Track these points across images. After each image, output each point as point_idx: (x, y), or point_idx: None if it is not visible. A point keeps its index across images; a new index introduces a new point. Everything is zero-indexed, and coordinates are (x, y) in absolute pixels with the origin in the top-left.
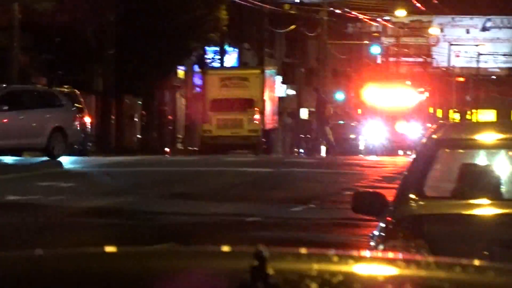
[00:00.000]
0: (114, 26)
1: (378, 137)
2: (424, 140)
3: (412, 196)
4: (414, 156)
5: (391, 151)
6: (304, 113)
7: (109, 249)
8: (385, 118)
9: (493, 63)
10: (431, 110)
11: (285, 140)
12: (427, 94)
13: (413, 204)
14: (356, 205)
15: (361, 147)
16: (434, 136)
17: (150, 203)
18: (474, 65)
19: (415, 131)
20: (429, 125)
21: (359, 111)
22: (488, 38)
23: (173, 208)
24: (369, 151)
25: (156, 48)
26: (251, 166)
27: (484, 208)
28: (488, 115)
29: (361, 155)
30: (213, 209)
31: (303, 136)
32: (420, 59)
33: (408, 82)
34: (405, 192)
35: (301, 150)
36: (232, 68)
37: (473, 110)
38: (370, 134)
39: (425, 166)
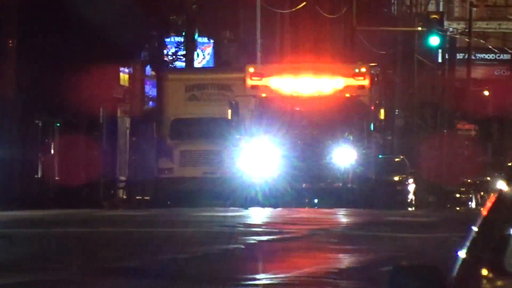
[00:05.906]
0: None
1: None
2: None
3: (484, 272)
4: (492, 195)
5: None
6: None
7: None
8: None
9: None
10: (382, 114)
11: None
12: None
13: (486, 286)
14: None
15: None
16: None
17: (66, 285)
18: None
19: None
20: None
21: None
22: None
23: None
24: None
25: (82, 39)
26: (240, 227)
27: None
28: None
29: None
30: None
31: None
32: (507, 55)
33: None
34: (472, 263)
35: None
36: (205, 69)
37: None
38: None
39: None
